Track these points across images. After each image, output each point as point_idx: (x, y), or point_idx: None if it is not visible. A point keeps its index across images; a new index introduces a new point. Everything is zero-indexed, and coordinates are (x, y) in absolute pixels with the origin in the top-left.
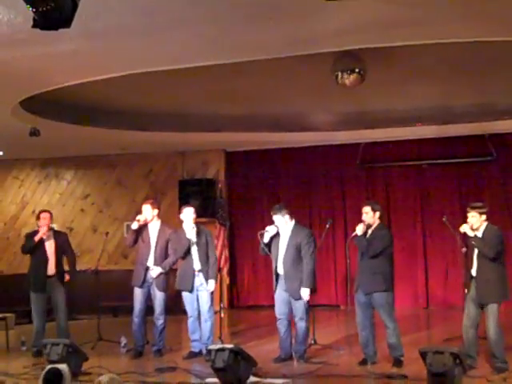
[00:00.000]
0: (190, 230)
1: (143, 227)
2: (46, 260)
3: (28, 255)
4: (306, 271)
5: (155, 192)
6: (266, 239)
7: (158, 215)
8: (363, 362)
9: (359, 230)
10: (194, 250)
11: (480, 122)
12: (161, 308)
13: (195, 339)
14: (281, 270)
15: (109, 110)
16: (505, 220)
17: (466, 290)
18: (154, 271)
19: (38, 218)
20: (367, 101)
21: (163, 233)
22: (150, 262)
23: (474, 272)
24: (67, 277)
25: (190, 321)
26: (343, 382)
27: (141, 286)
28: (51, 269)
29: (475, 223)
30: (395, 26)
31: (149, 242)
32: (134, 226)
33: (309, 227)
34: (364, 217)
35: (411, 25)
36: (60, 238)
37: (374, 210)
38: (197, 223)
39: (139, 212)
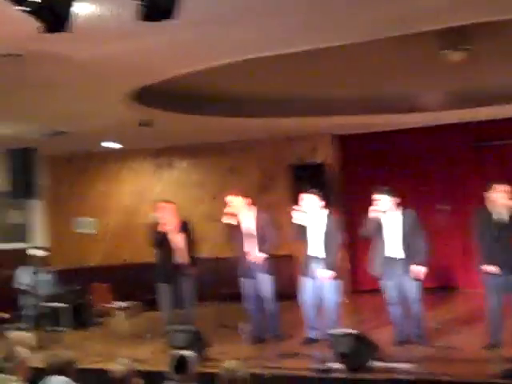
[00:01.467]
0: (303, 216)
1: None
2: (172, 251)
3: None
4: (422, 250)
5: (267, 178)
6: (372, 215)
7: (249, 203)
8: (490, 346)
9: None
10: (312, 235)
11: None
12: (269, 294)
13: (312, 326)
14: (398, 254)
15: (220, 97)
16: None
17: None
18: (257, 257)
19: (156, 208)
20: (476, 78)
21: (258, 219)
22: (251, 250)
23: None
24: (193, 270)
25: (306, 308)
26: (469, 366)
27: (246, 276)
28: (179, 259)
29: None
30: None
31: (244, 231)
32: (233, 221)
33: (422, 211)
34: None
35: None
36: (187, 227)
37: None
38: (327, 210)
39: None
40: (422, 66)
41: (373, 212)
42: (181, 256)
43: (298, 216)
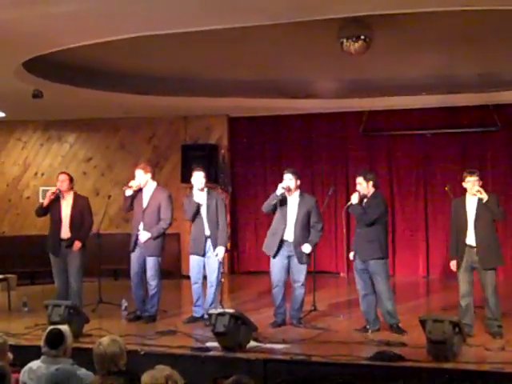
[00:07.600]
0: (198, 193)
1: (138, 192)
2: (59, 223)
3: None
4: (315, 233)
5: (158, 156)
6: (279, 191)
7: (153, 178)
8: (363, 329)
9: (354, 198)
10: (204, 214)
11: (485, 92)
12: (152, 272)
13: (198, 304)
14: (289, 237)
15: (113, 72)
16: (508, 190)
17: (452, 263)
18: (142, 236)
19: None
20: (372, 69)
21: (156, 197)
22: (141, 227)
23: (470, 240)
24: (77, 245)
25: (194, 286)
26: (343, 348)
27: (133, 250)
28: (65, 232)
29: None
30: None
31: (142, 207)
32: (128, 192)
33: (312, 194)
34: (358, 187)
35: None
36: (79, 202)
37: (366, 180)
38: (208, 187)
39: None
40: (321, 53)
41: (280, 189)
42: (69, 229)
43: (198, 196)
